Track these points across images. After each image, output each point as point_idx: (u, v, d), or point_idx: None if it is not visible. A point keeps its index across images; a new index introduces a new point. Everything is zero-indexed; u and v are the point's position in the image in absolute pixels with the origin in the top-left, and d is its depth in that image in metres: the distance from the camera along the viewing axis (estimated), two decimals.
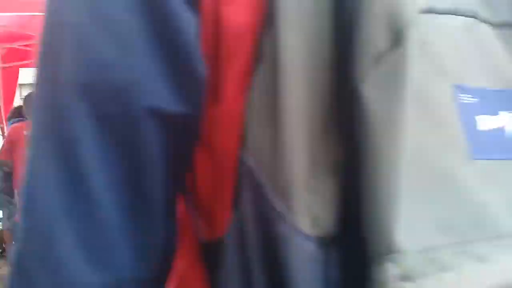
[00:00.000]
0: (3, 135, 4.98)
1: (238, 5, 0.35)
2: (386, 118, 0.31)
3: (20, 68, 5.56)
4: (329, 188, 0.35)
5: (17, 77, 5.69)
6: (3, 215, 4.49)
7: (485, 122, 0.36)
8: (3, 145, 4.27)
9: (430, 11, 0.36)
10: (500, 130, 0.37)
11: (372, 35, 0.33)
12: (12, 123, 4.38)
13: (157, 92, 0.35)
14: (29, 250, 0.35)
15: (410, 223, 0.30)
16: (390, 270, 0.29)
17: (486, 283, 0.29)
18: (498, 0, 0.40)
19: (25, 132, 3.68)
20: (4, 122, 5.10)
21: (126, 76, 0.34)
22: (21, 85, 6.89)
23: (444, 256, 0.30)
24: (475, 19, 0.38)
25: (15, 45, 5.10)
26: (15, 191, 3.97)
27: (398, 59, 0.32)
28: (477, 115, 0.36)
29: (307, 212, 0.34)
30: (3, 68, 5.43)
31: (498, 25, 0.39)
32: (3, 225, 4.65)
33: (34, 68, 0.37)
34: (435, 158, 0.33)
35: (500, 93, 0.38)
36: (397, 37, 0.32)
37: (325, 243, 0.34)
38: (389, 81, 0.32)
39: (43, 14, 0.37)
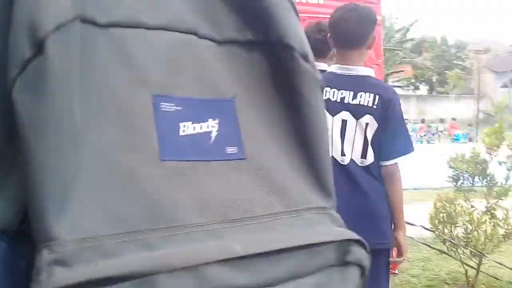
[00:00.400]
0: None
1: None
2: (33, 121, 0.34)
3: None
4: (12, 184, 0.37)
5: None
6: None
7: (187, 128, 0.41)
8: None
9: (138, 26, 0.40)
10: (204, 134, 0.42)
11: (17, 42, 0.35)
12: None
13: None
14: None
15: (77, 215, 0.34)
16: (45, 257, 0.32)
17: (145, 266, 0.33)
18: (223, 20, 0.45)
19: None
20: None
21: None
22: None
23: (108, 245, 0.34)
24: (195, 36, 0.43)
25: None
26: None
27: (39, 67, 0.35)
28: (180, 121, 0.41)
29: None
30: None
31: (222, 42, 0.45)
32: None
33: None
34: (121, 160, 0.37)
35: (211, 102, 0.43)
36: (39, 46, 0.35)
37: (7, 237, 0.37)
38: (34, 87, 0.35)
39: None
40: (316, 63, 2.02)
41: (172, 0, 0.44)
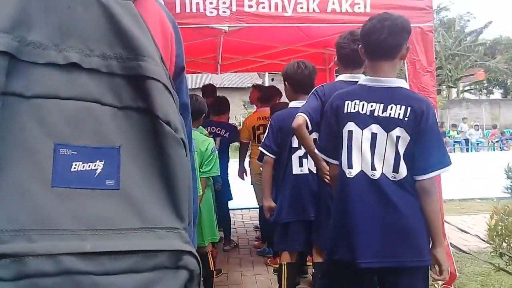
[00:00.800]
0: None
1: None
2: None
3: None
4: None
5: None
6: None
7: (78, 166, 0.61)
8: None
9: (54, 97, 0.62)
10: (91, 171, 0.62)
11: None
12: None
13: None
14: None
15: None
16: None
17: (22, 251, 0.55)
18: (123, 92, 0.66)
19: None
20: None
21: None
22: None
23: (2, 236, 0.55)
24: (98, 103, 0.64)
25: None
26: None
27: None
28: (73, 161, 0.61)
29: None
30: None
31: (122, 108, 0.65)
32: None
33: None
34: (23, 184, 0.58)
35: (101, 149, 0.63)
36: None
37: None
38: None
39: None
40: (351, 74, 2.03)
41: (85, 78, 0.64)
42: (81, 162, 0.61)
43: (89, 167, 0.62)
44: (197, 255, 0.67)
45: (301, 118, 2.64)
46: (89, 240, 0.59)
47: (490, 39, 38.57)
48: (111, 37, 0.66)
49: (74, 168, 0.61)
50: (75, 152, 0.61)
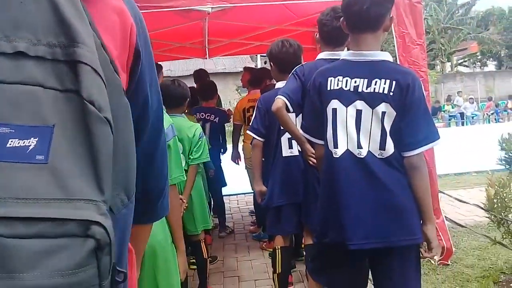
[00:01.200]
0: None
1: None
2: None
3: None
4: None
5: None
6: None
7: (13, 142, 0.67)
8: None
9: (2, 82, 0.68)
10: (24, 147, 0.68)
11: None
12: None
13: None
14: None
15: None
16: None
17: None
18: (65, 77, 0.72)
19: None
20: None
21: None
22: None
23: None
24: (41, 87, 0.70)
25: None
26: None
27: None
28: (10, 138, 0.67)
29: None
30: None
31: (63, 90, 0.72)
32: None
33: None
34: None
35: (36, 127, 0.69)
36: None
37: None
38: None
39: None
40: (332, 51, 1.95)
41: (32, 65, 0.70)
42: (17, 139, 0.68)
43: (23, 143, 0.68)
44: (106, 225, 0.71)
45: (280, 101, 2.57)
46: (12, 207, 0.65)
47: (482, 11, 38.36)
48: (56, 28, 0.74)
49: (10, 144, 0.68)
50: (13, 130, 0.68)
